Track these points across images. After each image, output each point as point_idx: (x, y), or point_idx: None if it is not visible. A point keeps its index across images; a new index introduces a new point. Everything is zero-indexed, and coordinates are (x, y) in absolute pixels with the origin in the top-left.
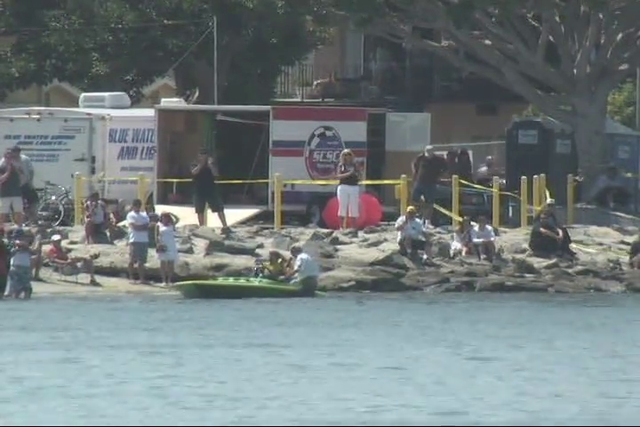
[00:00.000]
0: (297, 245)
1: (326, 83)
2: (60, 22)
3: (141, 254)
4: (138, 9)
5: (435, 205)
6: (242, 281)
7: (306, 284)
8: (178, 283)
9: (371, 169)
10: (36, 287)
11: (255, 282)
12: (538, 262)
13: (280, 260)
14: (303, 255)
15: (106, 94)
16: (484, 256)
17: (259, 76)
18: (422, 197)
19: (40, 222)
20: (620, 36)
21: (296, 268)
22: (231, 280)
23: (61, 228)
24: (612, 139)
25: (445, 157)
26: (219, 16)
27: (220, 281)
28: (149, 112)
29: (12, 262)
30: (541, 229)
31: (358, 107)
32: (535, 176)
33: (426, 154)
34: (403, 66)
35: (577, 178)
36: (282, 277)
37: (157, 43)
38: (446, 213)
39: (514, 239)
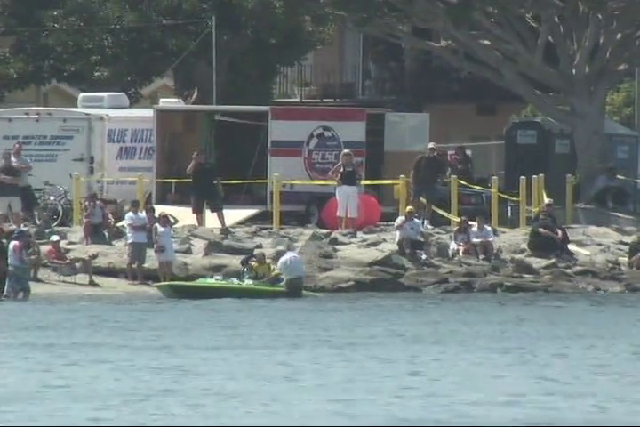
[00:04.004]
0: (281, 248)
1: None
2: (58, 23)
3: (140, 255)
4: (137, 9)
5: (433, 207)
6: (223, 282)
7: (290, 285)
8: (156, 283)
9: (370, 169)
10: (35, 288)
11: (235, 283)
12: (537, 263)
13: (268, 260)
14: (286, 256)
15: (104, 94)
16: (483, 256)
17: (257, 76)
18: (423, 198)
19: (39, 223)
20: (618, 36)
21: (277, 271)
22: (209, 281)
23: (60, 228)
24: (610, 139)
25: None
26: (218, 16)
27: (196, 282)
28: (148, 112)
29: (10, 262)
30: (540, 230)
31: (357, 107)
32: (534, 176)
33: (428, 148)
34: (402, 66)
35: (574, 178)
36: (264, 280)
37: (157, 43)
38: (444, 214)
39: (512, 239)
